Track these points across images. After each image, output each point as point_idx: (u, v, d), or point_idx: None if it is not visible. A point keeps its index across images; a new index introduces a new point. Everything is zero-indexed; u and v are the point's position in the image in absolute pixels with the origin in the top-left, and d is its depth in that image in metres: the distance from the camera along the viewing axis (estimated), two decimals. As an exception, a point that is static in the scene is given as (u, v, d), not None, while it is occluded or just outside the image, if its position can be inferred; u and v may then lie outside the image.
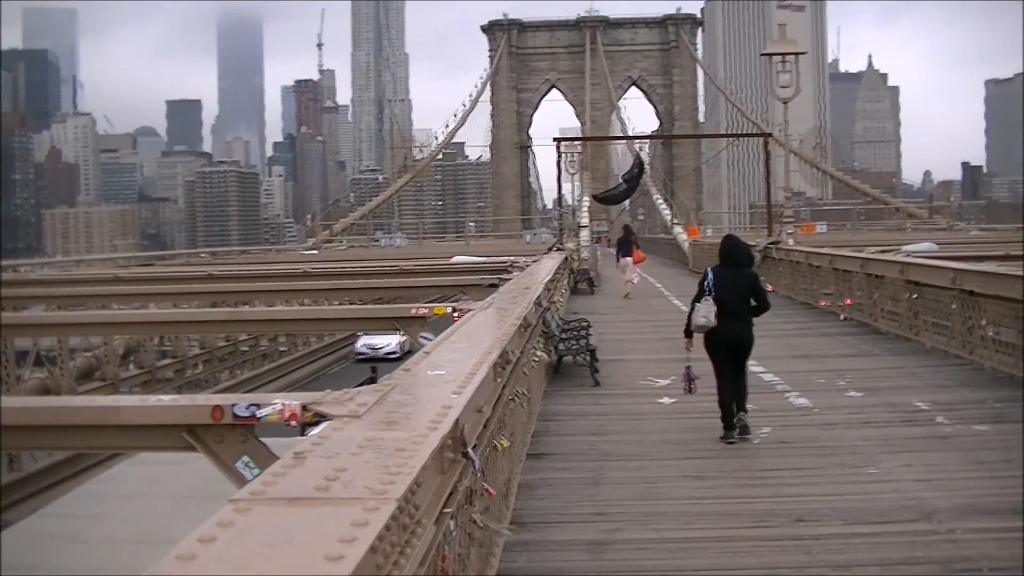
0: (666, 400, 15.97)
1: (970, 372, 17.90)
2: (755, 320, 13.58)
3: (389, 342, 49.45)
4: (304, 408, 6.37)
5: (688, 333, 13.80)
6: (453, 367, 7.31)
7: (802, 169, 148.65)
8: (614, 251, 47.48)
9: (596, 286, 44.61)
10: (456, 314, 15.27)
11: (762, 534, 9.03)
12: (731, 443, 12.88)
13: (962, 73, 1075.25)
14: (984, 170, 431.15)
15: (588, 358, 18.20)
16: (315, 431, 5.53)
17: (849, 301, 26.07)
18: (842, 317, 27.19)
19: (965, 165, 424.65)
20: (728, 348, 13.44)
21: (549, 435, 13.51)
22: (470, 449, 5.87)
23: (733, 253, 13.89)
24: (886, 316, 24.14)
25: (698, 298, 13.51)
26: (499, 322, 11.42)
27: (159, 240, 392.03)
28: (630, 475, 11.36)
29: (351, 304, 26.73)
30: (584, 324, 20.26)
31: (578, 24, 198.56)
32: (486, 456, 7.46)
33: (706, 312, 13.26)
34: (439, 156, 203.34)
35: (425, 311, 17.91)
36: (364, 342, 51.16)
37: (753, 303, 13.65)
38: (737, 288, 13.46)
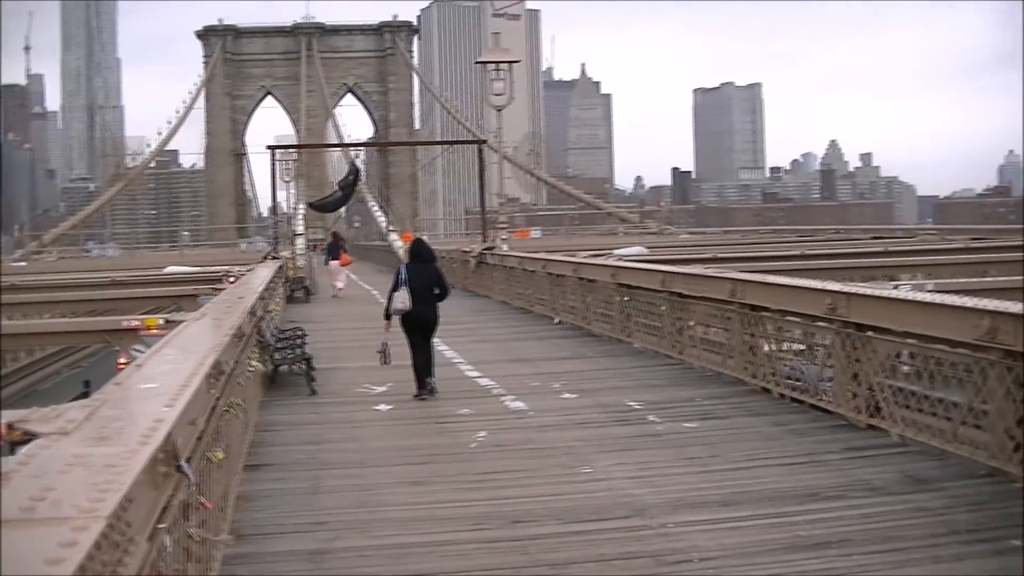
0: (383, 407, 15.99)
1: (680, 371, 18.49)
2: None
3: None
4: (10, 427, 6.12)
5: (387, 316, 17.51)
6: (165, 380, 7.15)
7: (517, 175, 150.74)
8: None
9: (312, 294, 44.29)
10: (169, 325, 14.97)
11: (481, 536, 9.11)
12: (423, 399, 16.50)
13: (672, 82, 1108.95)
14: (693, 175, 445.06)
15: (304, 367, 18.07)
16: (23, 450, 5.33)
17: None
18: (556, 321, 27.70)
19: (675, 171, 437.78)
20: (420, 327, 17.20)
21: (266, 446, 13.34)
22: (183, 463, 5.75)
23: (421, 252, 18.01)
24: (599, 319, 24.70)
25: (395, 288, 17.12)
26: (213, 333, 11.23)
27: None
28: (349, 483, 11.31)
29: (62, 317, 25.90)
30: (300, 333, 20.13)
31: (294, 31, 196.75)
32: (201, 469, 7.32)
33: (403, 299, 16.96)
34: (152, 164, 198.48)
35: (137, 323, 17.59)
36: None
37: (437, 291, 17.49)
38: (425, 279, 17.31)
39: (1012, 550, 8.26)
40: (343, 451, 13.16)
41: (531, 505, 10.03)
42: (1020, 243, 35.38)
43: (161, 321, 17.34)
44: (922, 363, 12.19)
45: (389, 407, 15.98)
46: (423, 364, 17.02)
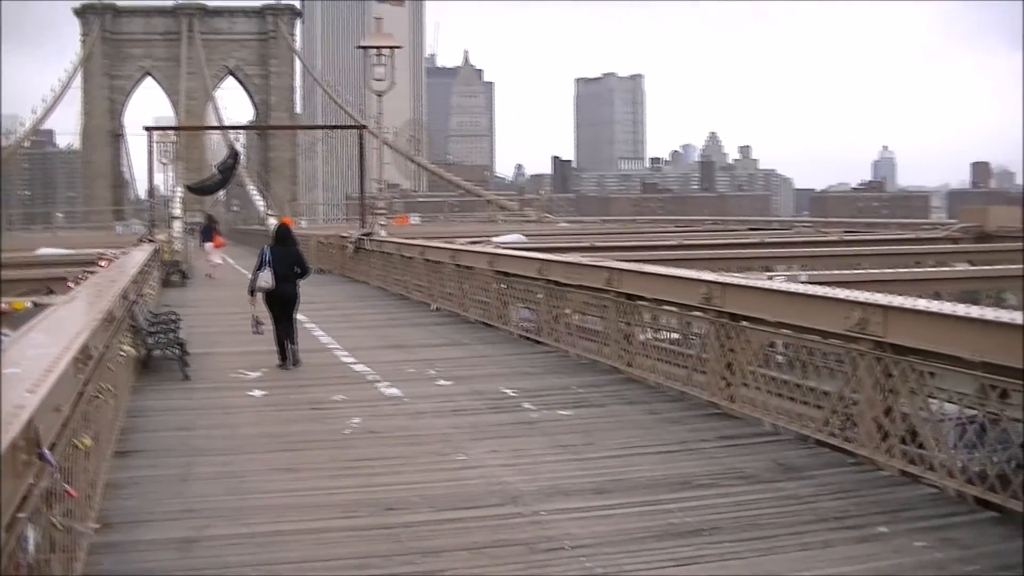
0: (257, 393, 15.84)
1: (556, 359, 18.55)
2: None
3: None
4: None
5: (252, 292, 18.79)
6: (30, 364, 6.96)
7: (397, 161, 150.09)
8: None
9: (188, 278, 43.79)
10: (38, 309, 14.66)
11: (353, 524, 9.05)
12: (284, 368, 18.08)
13: (554, 71, 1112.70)
14: (574, 165, 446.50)
15: (178, 352, 17.82)
16: None
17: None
18: (433, 308, 27.66)
19: (555, 159, 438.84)
20: (282, 303, 18.67)
21: (137, 432, 13.11)
22: (45, 450, 5.62)
23: (284, 236, 19.42)
24: (476, 306, 24.70)
25: (260, 267, 18.62)
26: (82, 316, 11.00)
27: None
28: (220, 470, 11.15)
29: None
30: (174, 317, 19.88)
31: (175, 11, 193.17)
32: (67, 456, 7.17)
33: (267, 279, 18.48)
34: (27, 144, 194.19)
35: (4, 306, 17.11)
36: None
37: (297, 270, 19.05)
38: (287, 260, 18.85)
39: (878, 536, 8.42)
40: (215, 437, 12.98)
41: (404, 492, 9.98)
42: (894, 236, 36.12)
43: (29, 304, 16.95)
44: (795, 353, 12.37)
45: (263, 393, 15.83)
46: (284, 336, 18.57)
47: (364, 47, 45.39)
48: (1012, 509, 8.74)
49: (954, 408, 10.47)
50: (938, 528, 8.63)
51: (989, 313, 9.39)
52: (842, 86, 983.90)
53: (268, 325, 18.78)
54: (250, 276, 19.24)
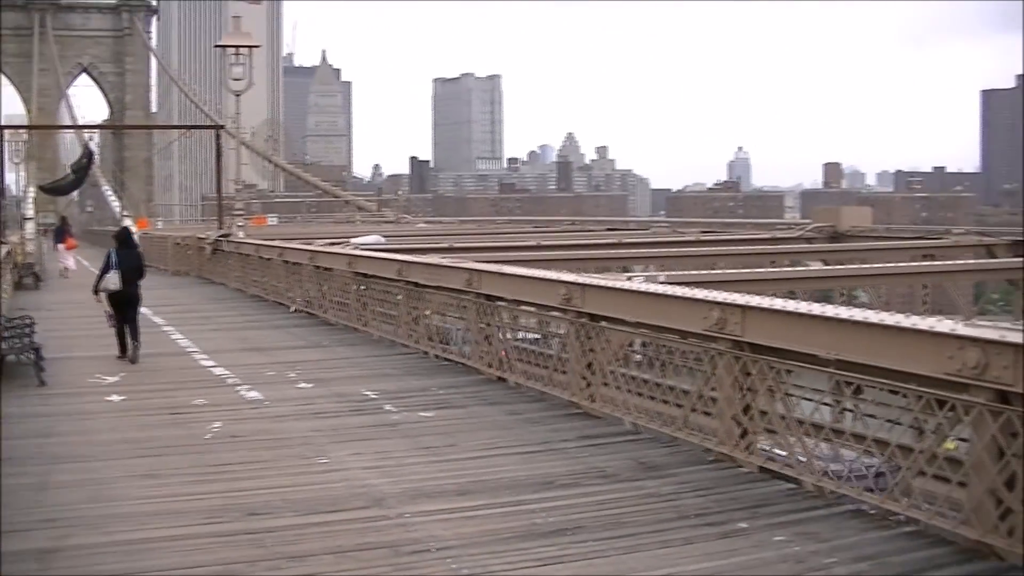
0: (115, 398, 15.60)
1: (416, 360, 18.57)
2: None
3: None
4: None
5: (96, 291, 19.86)
6: None
7: (254, 161, 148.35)
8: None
9: (42, 280, 42.88)
10: None
11: (216, 530, 8.95)
12: (123, 360, 19.15)
13: (412, 71, 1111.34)
14: (432, 165, 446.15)
15: (33, 357, 17.46)
16: None
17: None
18: (292, 309, 27.48)
19: (413, 160, 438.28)
20: (126, 302, 19.72)
21: (-9, 439, 12.82)
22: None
23: (127, 240, 21.00)
24: (336, 308, 24.60)
25: (106, 269, 19.62)
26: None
27: None
28: (80, 477, 10.94)
29: None
30: (28, 321, 19.42)
31: (26, 6, 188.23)
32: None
33: (114, 280, 19.49)
34: None
35: None
36: None
37: (138, 272, 20.05)
38: (131, 263, 19.96)
39: (738, 532, 8.58)
40: (74, 444, 12.74)
41: (267, 497, 9.92)
42: (750, 236, 36.69)
43: None
44: (654, 352, 12.52)
45: (121, 398, 15.60)
46: (127, 332, 19.67)
47: (222, 46, 44.92)
48: (867, 501, 9.00)
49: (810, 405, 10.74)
50: (797, 522, 8.83)
51: (843, 312, 9.62)
52: (698, 88, 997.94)
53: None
54: (96, 276, 20.08)
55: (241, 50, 43.18)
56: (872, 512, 8.96)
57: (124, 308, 19.75)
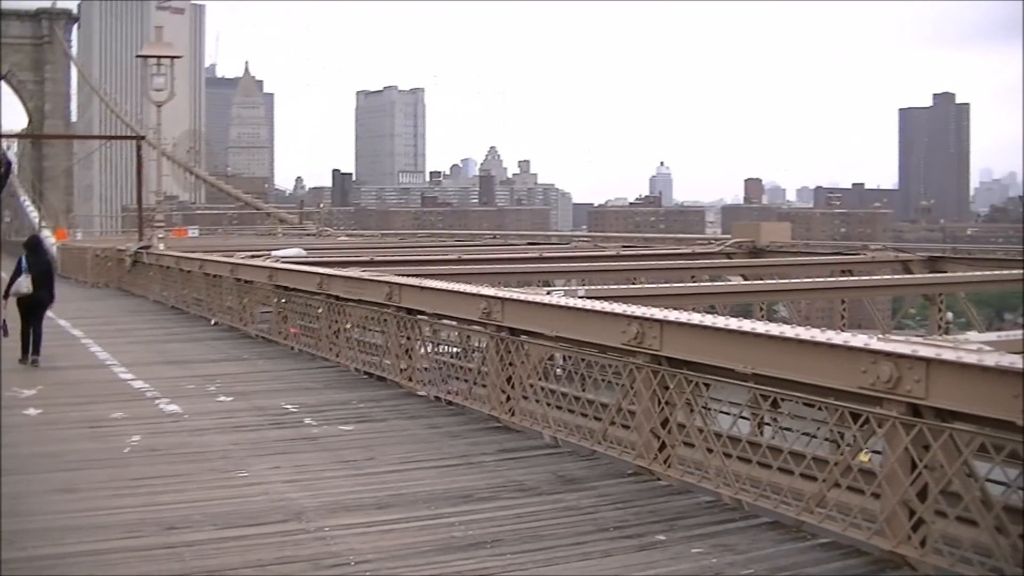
0: (32, 411, 15.41)
1: (336, 374, 18.54)
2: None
3: None
4: None
5: (6, 296, 20.19)
6: None
7: (176, 173, 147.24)
8: None
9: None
10: None
11: (134, 544, 8.88)
12: (24, 364, 19.82)
13: (336, 83, 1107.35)
14: (354, 178, 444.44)
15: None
16: None
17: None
18: (213, 322, 27.33)
19: (336, 172, 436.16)
20: (35, 307, 20.48)
21: (-97, 453, 12.64)
22: None
23: (37, 247, 22.16)
24: (257, 320, 24.49)
25: (17, 274, 20.27)
26: None
27: None
28: (-6, 492, 10.84)
29: None
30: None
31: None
32: None
33: (26, 284, 20.19)
34: None
35: None
36: None
37: (48, 278, 20.88)
38: (40, 269, 20.76)
39: (656, 544, 8.66)
40: (-12, 458, 12.59)
41: (186, 511, 9.85)
42: (670, 251, 36.91)
43: None
44: (574, 366, 12.60)
45: (38, 411, 15.42)
46: (28, 336, 20.35)
47: (144, 56, 44.62)
48: (783, 513, 9.12)
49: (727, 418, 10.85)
50: (714, 535, 8.92)
51: (759, 326, 9.74)
52: (620, 103, 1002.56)
53: (16, 326, 20.30)
54: (7, 280, 20.59)
55: (163, 60, 42.98)
56: (788, 524, 9.08)
57: (32, 312, 20.50)
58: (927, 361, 7.82)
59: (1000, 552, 7.45)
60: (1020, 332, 11.09)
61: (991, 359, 7.43)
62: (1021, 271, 25.62)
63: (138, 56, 47.71)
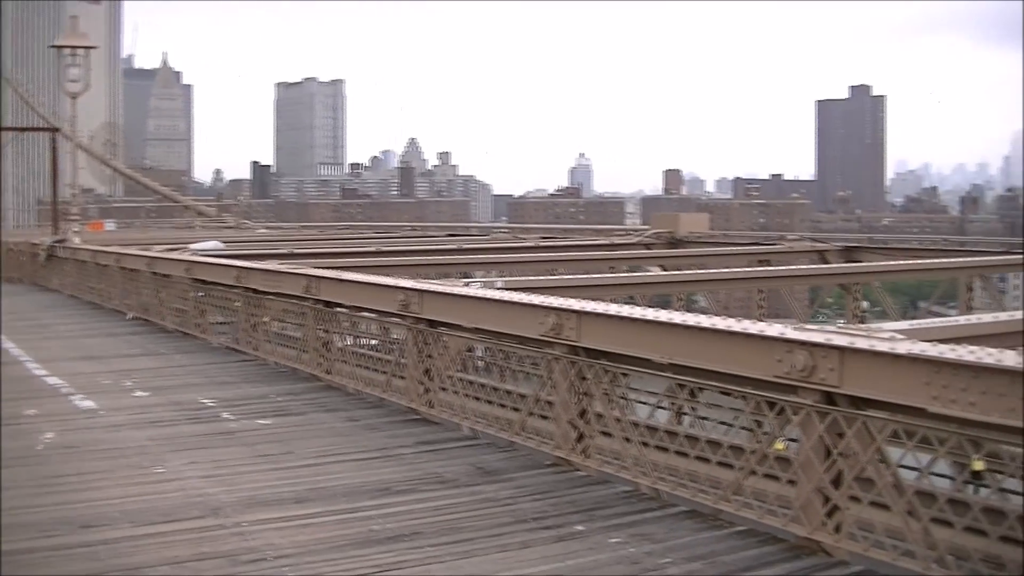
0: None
1: (255, 368, 18.41)
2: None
3: None
4: None
5: None
6: None
7: (92, 165, 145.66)
8: None
9: None
10: None
11: (50, 544, 8.75)
12: None
13: (255, 74, 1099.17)
14: (273, 170, 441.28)
15: None
16: None
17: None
18: (129, 316, 27.06)
19: (255, 164, 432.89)
20: None
21: None
22: None
23: None
24: (174, 314, 24.29)
25: None
26: None
27: None
28: (-96, 491, 10.65)
29: None
30: None
31: None
32: None
33: None
34: None
35: None
36: None
37: None
38: None
39: (574, 535, 8.69)
40: None
41: (102, 508, 9.74)
42: (590, 242, 37.06)
43: None
44: (493, 357, 12.62)
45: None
46: None
47: (58, 46, 44.05)
48: (701, 502, 9.20)
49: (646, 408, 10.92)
50: (632, 524, 8.97)
51: (676, 316, 9.81)
52: (540, 94, 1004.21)
53: None
54: None
55: (78, 51, 42.43)
56: (705, 512, 9.15)
57: None
58: (841, 350, 7.91)
59: (912, 535, 7.56)
60: (933, 320, 11.27)
61: (903, 347, 7.53)
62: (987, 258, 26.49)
63: (52, 46, 47.07)
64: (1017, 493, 9.18)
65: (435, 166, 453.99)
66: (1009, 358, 6.95)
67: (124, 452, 12.19)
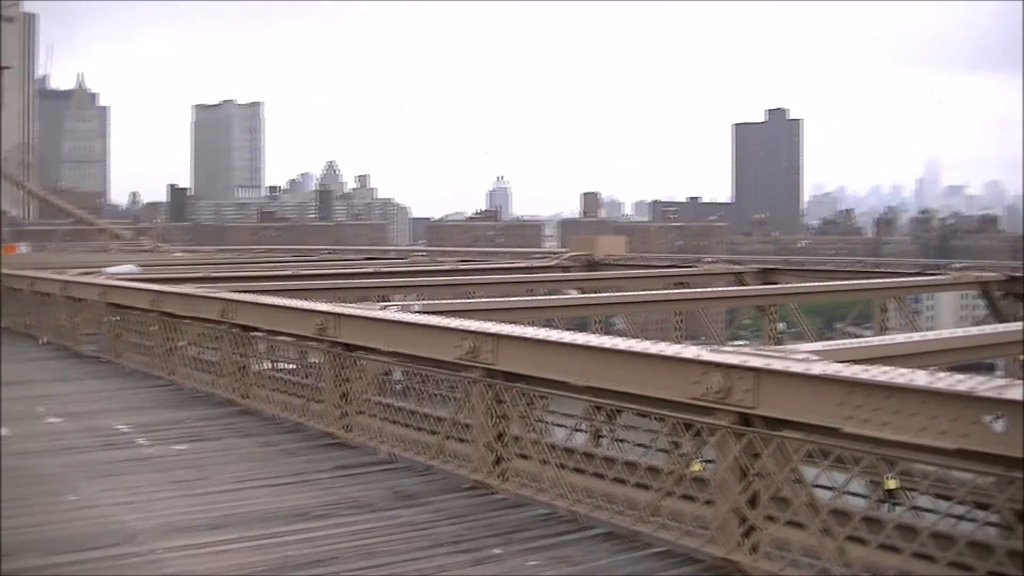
0: None
1: (170, 393, 18.22)
2: None
3: None
4: None
5: None
6: None
7: (4, 187, 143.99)
8: None
9: None
10: None
11: (-42, 574, 8.64)
12: None
13: (172, 97, 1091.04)
14: (191, 192, 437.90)
15: None
16: None
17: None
18: (42, 341, 26.71)
19: (172, 187, 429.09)
20: None
21: None
22: None
23: None
24: (88, 339, 24.01)
25: None
26: None
27: None
28: None
29: None
30: None
31: None
32: None
33: None
34: None
35: None
36: None
37: None
38: None
39: (492, 558, 8.67)
40: None
41: (15, 537, 9.54)
42: (508, 265, 37.08)
43: None
44: (410, 381, 12.59)
45: None
46: None
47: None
48: (618, 524, 9.22)
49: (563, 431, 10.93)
50: (550, 547, 8.96)
51: (593, 339, 9.84)
52: (458, 118, 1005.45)
53: None
54: None
55: (-11, 73, 41.92)
56: (623, 534, 9.17)
57: None
58: (756, 371, 7.98)
59: (827, 553, 7.63)
60: (848, 341, 11.39)
61: (818, 368, 7.61)
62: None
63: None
64: (929, 511, 9.29)
65: (353, 189, 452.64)
66: (920, 378, 7.04)
67: (36, 479, 11.99)
